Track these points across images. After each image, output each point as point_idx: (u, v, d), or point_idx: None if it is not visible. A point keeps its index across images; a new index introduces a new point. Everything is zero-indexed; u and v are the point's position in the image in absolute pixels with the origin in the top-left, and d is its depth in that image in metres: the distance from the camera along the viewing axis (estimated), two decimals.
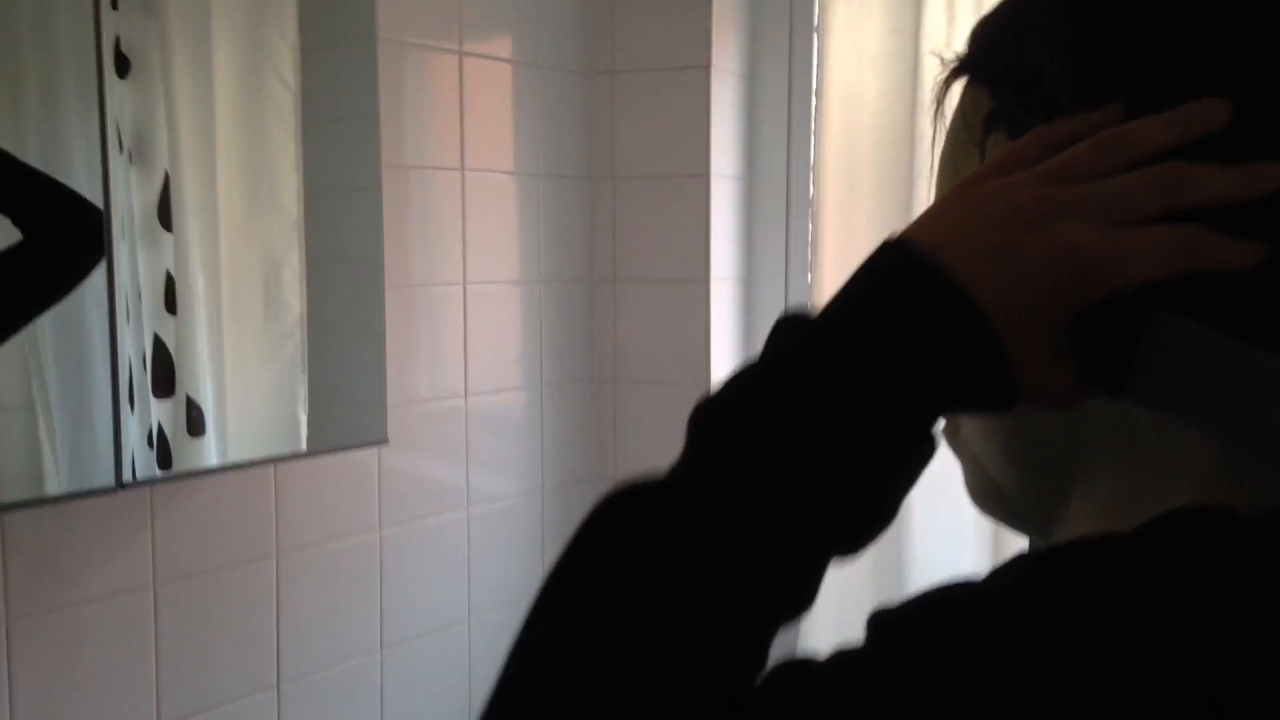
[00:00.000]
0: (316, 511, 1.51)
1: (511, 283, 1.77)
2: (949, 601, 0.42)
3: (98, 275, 1.18)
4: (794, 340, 0.44)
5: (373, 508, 1.59)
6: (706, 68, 1.83)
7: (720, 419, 0.44)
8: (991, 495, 0.53)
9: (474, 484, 1.73)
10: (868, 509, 0.45)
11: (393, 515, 1.61)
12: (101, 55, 1.17)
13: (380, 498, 1.59)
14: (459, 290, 1.68)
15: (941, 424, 0.45)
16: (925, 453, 0.45)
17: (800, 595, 0.44)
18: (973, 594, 0.42)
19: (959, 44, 0.51)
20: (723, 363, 1.87)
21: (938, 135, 0.52)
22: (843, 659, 0.41)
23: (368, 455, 1.55)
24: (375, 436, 1.50)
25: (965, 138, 0.50)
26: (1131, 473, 0.47)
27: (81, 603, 1.28)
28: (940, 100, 0.51)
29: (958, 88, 0.51)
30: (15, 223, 1.13)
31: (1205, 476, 0.45)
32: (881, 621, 0.42)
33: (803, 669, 0.42)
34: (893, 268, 0.44)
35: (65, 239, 1.17)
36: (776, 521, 0.43)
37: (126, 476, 1.22)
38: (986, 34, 0.49)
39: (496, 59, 1.72)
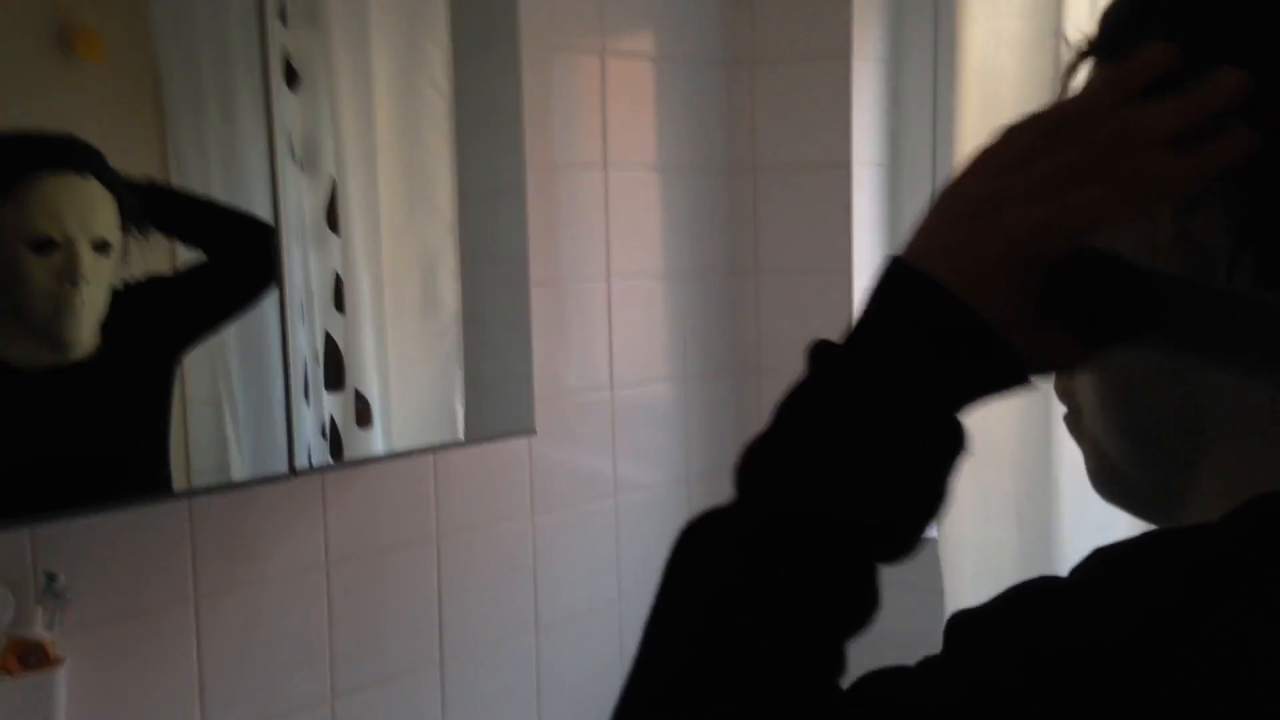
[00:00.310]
0: (473, 498, 1.59)
1: (656, 276, 1.81)
2: (1023, 599, 0.44)
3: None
4: (816, 365, 0.49)
5: (525, 495, 1.65)
6: (848, 55, 1.83)
7: (759, 447, 0.50)
8: (1115, 482, 0.54)
9: (621, 473, 1.78)
10: (903, 511, 0.47)
11: (544, 502, 1.67)
12: (269, 68, 1.25)
13: (532, 485, 1.65)
14: (604, 285, 1.73)
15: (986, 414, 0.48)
16: (952, 448, 0.48)
17: (858, 603, 0.48)
18: (1047, 591, 0.44)
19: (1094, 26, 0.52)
20: None
21: None
22: (925, 661, 0.44)
23: (519, 445, 1.61)
24: (525, 427, 1.56)
25: None
26: (1251, 457, 0.47)
27: (262, 581, 1.38)
28: (1066, 82, 0.52)
29: (1086, 70, 0.52)
30: (200, 249, 1.22)
31: None
32: (959, 623, 0.44)
33: (890, 673, 0.44)
34: (887, 278, 0.49)
35: (243, 260, 1.26)
36: (817, 537, 0.46)
37: (300, 464, 1.31)
38: (1115, 15, 0.50)
39: (637, 55, 1.76)
